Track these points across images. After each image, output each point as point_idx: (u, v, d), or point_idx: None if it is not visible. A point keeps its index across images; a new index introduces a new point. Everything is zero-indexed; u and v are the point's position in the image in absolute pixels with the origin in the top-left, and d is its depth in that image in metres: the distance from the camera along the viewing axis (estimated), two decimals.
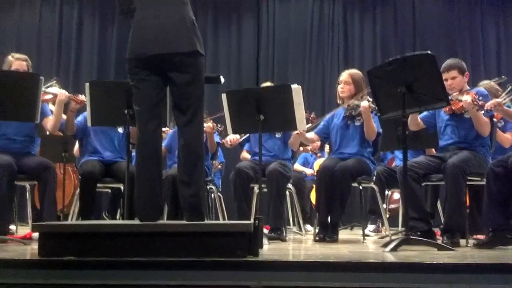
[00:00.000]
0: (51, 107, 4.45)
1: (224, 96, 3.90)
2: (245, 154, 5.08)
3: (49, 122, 4.21)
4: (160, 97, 2.94)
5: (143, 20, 2.92)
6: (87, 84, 3.98)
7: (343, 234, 4.75)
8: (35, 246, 2.92)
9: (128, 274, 2.38)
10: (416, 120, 3.96)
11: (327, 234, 3.92)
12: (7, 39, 8.34)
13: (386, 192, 5.03)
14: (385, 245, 3.21)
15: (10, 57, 4.13)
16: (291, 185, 4.54)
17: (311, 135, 4.41)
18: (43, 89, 3.77)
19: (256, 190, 4.39)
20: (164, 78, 2.92)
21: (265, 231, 3.87)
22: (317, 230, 4.07)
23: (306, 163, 6.86)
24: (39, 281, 2.38)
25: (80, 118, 4.54)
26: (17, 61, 4.09)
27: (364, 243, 3.89)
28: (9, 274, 2.42)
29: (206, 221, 2.99)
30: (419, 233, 3.50)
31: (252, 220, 3.53)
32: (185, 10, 2.93)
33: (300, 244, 3.91)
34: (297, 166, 6.73)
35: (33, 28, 8.42)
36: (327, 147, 6.21)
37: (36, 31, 8.41)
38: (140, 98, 2.92)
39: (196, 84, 2.91)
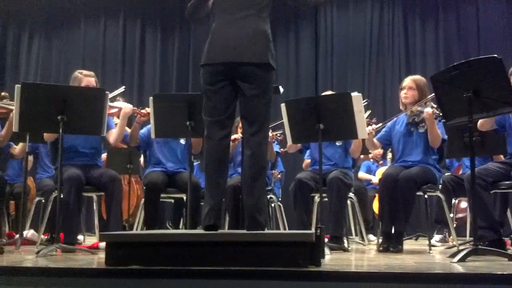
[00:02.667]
0: (115, 120, 4.60)
1: (283, 105, 3.90)
2: (308, 161, 5.04)
3: (112, 135, 4.34)
4: (231, 109, 3.00)
5: (221, 28, 3.00)
6: (151, 98, 4.09)
7: (407, 244, 4.63)
8: (102, 255, 3.02)
9: (192, 283, 2.41)
10: (492, 121, 3.79)
11: (391, 244, 3.83)
12: (74, 55, 8.74)
13: (453, 200, 4.87)
14: (453, 255, 3.10)
15: (78, 74, 4.28)
16: (353, 194, 4.46)
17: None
18: (108, 103, 3.90)
19: (316, 199, 4.35)
20: (235, 89, 2.98)
21: (325, 240, 3.82)
22: (380, 240, 3.98)
23: (369, 172, 6.75)
24: None
25: (144, 130, 4.66)
26: (86, 77, 4.23)
27: (430, 253, 3.77)
28: (78, 283, 2.49)
29: (267, 231, 2.99)
30: (487, 242, 3.36)
31: (313, 230, 3.50)
32: (263, 23, 3.01)
33: (363, 254, 3.84)
34: (363, 175, 6.63)
35: (97, 44, 8.77)
36: (389, 155, 6.09)
37: (101, 47, 8.75)
38: (212, 110, 2.98)
39: (264, 97, 2.96)
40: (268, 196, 4.91)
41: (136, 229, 4.54)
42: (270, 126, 4.80)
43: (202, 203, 4.25)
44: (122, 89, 4.56)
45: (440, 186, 4.15)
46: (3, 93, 4.15)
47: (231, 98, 2.99)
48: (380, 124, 4.37)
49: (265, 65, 2.94)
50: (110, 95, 4.36)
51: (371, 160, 6.61)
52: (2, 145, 4.11)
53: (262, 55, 2.93)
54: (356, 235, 5.42)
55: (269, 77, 2.98)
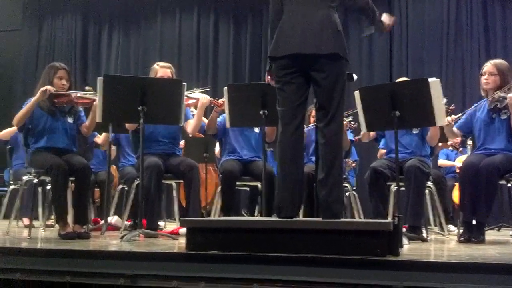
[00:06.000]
0: (193, 111, 4.71)
1: (357, 93, 3.85)
2: (382, 151, 4.96)
3: (190, 125, 4.46)
4: (303, 98, 3.00)
5: (290, 20, 3.00)
6: (225, 88, 4.16)
7: (489, 235, 4.48)
8: (182, 240, 3.12)
9: (268, 269, 2.45)
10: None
11: (472, 234, 3.71)
12: (151, 49, 9.04)
13: None
14: None
15: (155, 66, 4.43)
16: (431, 183, 4.35)
17: (455, 128, 4.20)
18: (186, 94, 4.00)
19: (393, 188, 4.28)
20: (307, 79, 2.98)
21: (403, 230, 3.75)
22: (461, 231, 3.86)
23: (447, 160, 6.54)
24: (187, 274, 2.54)
25: (220, 119, 4.75)
26: (162, 69, 4.37)
27: None
28: (160, 267, 2.61)
29: (342, 219, 2.98)
30: None
31: (390, 219, 3.44)
32: (332, 13, 2.98)
33: (443, 244, 3.75)
34: (443, 162, 6.44)
35: (173, 37, 9.01)
36: (469, 142, 5.88)
37: (177, 40, 8.99)
38: (285, 99, 2.99)
39: (338, 86, 2.94)
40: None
41: (214, 216, 4.65)
42: (344, 114, 4.80)
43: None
44: (207, 88, 4.70)
45: None
46: (87, 87, 4.36)
47: (303, 87, 2.99)
48: (460, 114, 4.23)
49: (334, 55, 2.91)
50: (197, 91, 4.49)
51: (450, 148, 6.40)
52: (87, 135, 4.32)
53: (332, 46, 2.91)
54: (435, 225, 5.29)
55: (340, 66, 2.95)
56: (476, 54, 7.66)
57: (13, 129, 5.78)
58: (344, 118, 4.66)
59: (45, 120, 3.97)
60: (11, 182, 5.73)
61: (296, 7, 2.99)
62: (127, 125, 4.36)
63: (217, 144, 5.11)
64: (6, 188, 5.93)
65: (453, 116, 4.11)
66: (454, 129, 4.14)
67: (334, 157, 2.90)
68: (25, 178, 4.19)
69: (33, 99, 3.87)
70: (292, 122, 2.96)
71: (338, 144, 2.95)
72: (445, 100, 4.16)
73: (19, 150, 5.80)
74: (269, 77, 3.22)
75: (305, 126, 4.80)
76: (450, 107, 4.26)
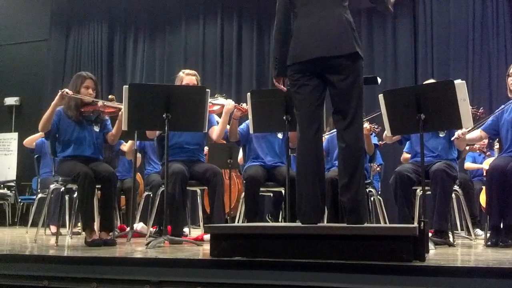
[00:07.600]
0: (217, 118, 4.74)
1: (381, 96, 3.82)
2: (406, 156, 4.91)
3: (215, 131, 4.48)
4: (320, 101, 2.97)
5: (304, 25, 2.97)
6: (248, 94, 4.17)
7: None
8: (207, 246, 3.13)
9: (291, 275, 2.44)
10: None
11: (500, 238, 3.65)
12: (176, 56, 9.14)
13: None
14: None
15: (181, 73, 4.49)
16: (458, 187, 4.29)
17: (477, 132, 4.14)
18: (210, 100, 4.02)
19: (418, 192, 4.23)
20: (323, 81, 2.95)
21: (429, 235, 3.71)
22: (488, 235, 3.80)
23: (474, 163, 6.43)
24: (212, 280, 2.54)
25: (243, 126, 4.77)
26: (188, 76, 4.43)
27: None
28: (185, 273, 2.62)
29: (367, 224, 2.95)
30: None
31: (416, 224, 3.41)
32: (345, 13, 2.95)
33: (470, 249, 3.69)
34: (470, 165, 6.34)
35: (197, 43, 9.10)
36: (496, 145, 5.78)
37: (201, 45, 9.07)
38: (301, 102, 2.97)
39: (356, 88, 2.90)
40: (367, 190, 4.84)
41: (238, 222, 4.66)
42: (368, 118, 4.77)
43: None
44: (223, 95, 4.72)
45: None
46: (110, 96, 4.43)
47: (319, 89, 2.96)
48: (470, 128, 4.12)
49: (353, 55, 2.88)
50: (219, 97, 4.51)
51: (478, 151, 6.29)
52: (113, 143, 4.38)
53: (349, 45, 2.87)
54: (462, 229, 5.21)
55: (358, 66, 2.91)
56: (503, 53, 7.53)
57: (37, 136, 5.90)
58: (368, 123, 4.66)
59: (72, 129, 4.04)
60: (39, 190, 5.84)
61: (310, 10, 2.96)
62: (147, 132, 4.41)
63: (240, 151, 5.12)
64: (34, 197, 6.04)
65: (464, 130, 4.01)
66: (482, 132, 4.08)
67: (356, 161, 2.86)
68: (52, 186, 4.27)
69: (52, 103, 3.95)
70: (311, 126, 2.93)
71: (359, 147, 2.91)
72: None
73: (46, 159, 5.91)
74: (277, 83, 3.21)
75: (329, 131, 4.82)
76: (479, 111, 4.19)
